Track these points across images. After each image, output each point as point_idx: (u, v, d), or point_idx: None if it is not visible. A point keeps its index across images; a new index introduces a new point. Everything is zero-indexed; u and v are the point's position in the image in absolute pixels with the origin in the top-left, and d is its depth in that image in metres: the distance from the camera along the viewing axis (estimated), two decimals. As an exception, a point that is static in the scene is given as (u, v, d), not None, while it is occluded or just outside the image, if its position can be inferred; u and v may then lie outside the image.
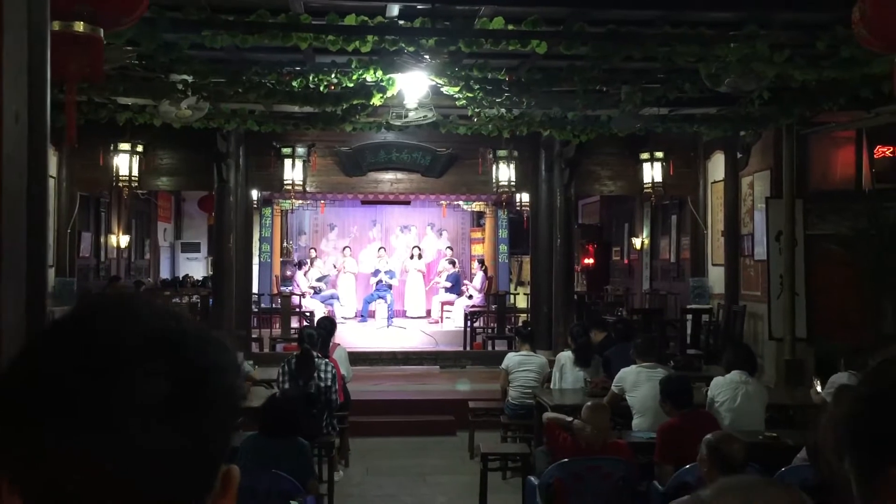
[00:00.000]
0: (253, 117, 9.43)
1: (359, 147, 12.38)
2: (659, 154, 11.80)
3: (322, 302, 15.23)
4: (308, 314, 13.73)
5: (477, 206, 16.98)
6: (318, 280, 15.95)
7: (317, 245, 17.50)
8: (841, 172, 11.09)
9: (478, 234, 17.77)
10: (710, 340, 11.65)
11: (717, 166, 12.42)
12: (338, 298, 15.84)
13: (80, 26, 3.01)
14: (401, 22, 6.28)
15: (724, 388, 6.23)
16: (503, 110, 8.64)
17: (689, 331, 11.99)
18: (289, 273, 16.55)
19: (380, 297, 15.60)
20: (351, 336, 13.34)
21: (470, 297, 15.49)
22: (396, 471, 8.31)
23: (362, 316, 15.74)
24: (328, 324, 8.71)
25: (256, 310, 13.37)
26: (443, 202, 16.47)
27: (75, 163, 11.65)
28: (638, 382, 6.63)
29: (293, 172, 11.70)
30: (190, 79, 7.53)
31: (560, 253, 12.34)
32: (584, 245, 17.57)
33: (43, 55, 1.67)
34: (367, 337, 14.20)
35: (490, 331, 13.90)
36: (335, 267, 16.71)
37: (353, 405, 8.56)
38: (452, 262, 16.40)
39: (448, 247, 17.05)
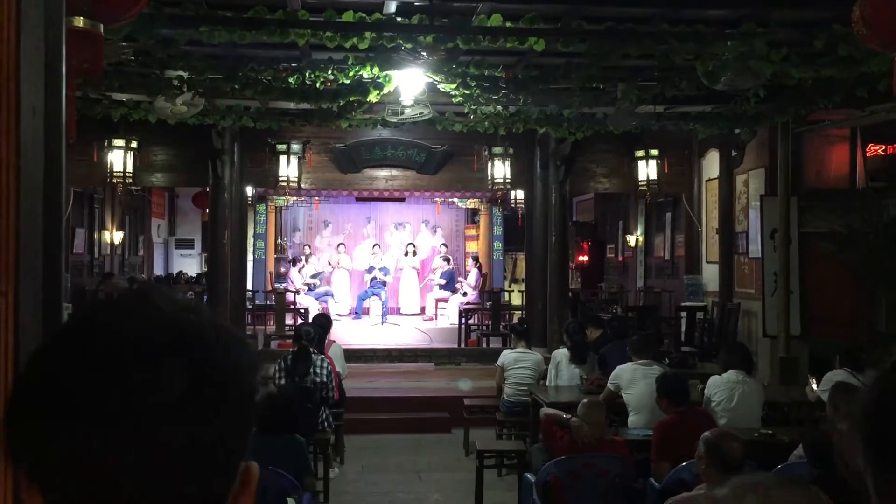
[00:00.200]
0: (248, 114, 9.42)
1: (354, 144, 12.36)
2: (654, 152, 11.82)
3: (316, 299, 15.21)
4: (302, 311, 13.70)
5: (471, 204, 16.98)
6: (313, 277, 15.92)
7: (311, 242, 17.48)
8: (835, 170, 11.12)
9: (472, 232, 17.77)
10: (704, 338, 11.68)
11: (711, 164, 12.44)
12: (332, 295, 15.82)
13: (80, 21, 3.00)
14: (398, 19, 6.27)
15: (720, 387, 6.24)
16: (499, 107, 8.64)
17: (683, 328, 12.02)
18: (283, 270, 16.52)
19: (374, 294, 15.58)
20: (345, 333, 13.32)
21: (464, 294, 15.49)
22: (392, 468, 8.31)
23: (356, 313, 15.72)
24: (324, 321, 8.71)
25: (251, 306, 13.34)
26: (437, 199, 16.46)
27: (69, 158, 11.55)
28: (634, 380, 6.64)
29: (288, 169, 11.68)
30: (186, 75, 7.51)
31: (555, 250, 12.34)
32: (579, 242, 17.58)
33: (58, 50, 1.66)
34: (362, 334, 14.19)
35: (485, 328, 13.90)
36: (330, 264, 16.68)
37: (348, 402, 8.55)
38: (447, 259, 16.39)
39: (442, 244, 17.04)
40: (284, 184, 11.78)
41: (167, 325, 0.81)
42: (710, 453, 3.99)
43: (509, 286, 16.45)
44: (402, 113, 8.66)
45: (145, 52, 6.70)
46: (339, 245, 16.85)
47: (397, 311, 16.12)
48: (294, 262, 16.08)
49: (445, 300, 15.67)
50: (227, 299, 11.83)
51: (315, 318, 9.49)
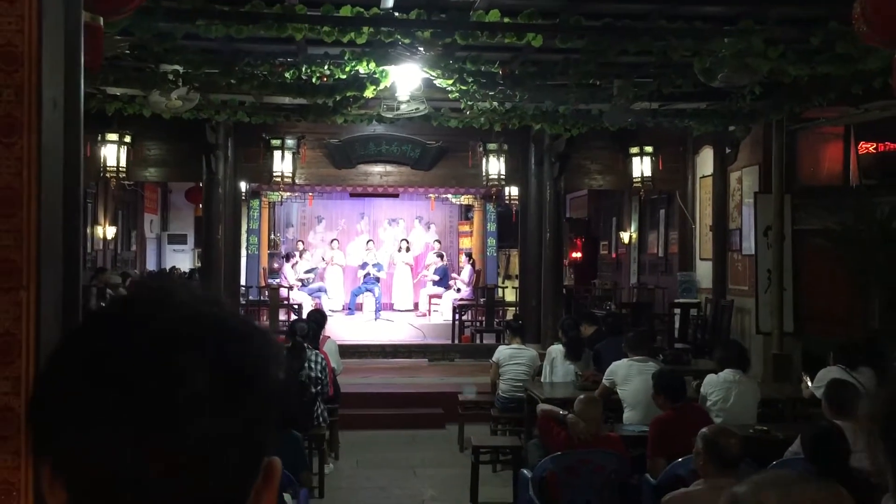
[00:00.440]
0: (243, 109, 9.39)
1: (348, 139, 12.34)
2: (648, 148, 11.83)
3: (310, 295, 15.19)
4: (296, 307, 13.69)
5: (465, 200, 16.97)
6: (306, 273, 15.90)
7: (304, 237, 17.45)
8: (829, 168, 11.16)
9: (466, 228, 17.77)
10: (697, 335, 11.72)
11: (705, 161, 12.46)
12: (325, 291, 15.80)
13: (80, 14, 2.97)
14: (396, 14, 6.25)
15: (717, 387, 6.25)
16: (495, 103, 8.63)
17: (676, 325, 12.05)
18: (276, 265, 16.50)
19: (367, 290, 15.57)
20: (339, 329, 13.31)
21: (458, 290, 15.49)
22: (386, 463, 8.31)
23: (350, 309, 15.71)
24: (319, 316, 8.70)
25: (244, 302, 13.32)
26: (431, 195, 16.45)
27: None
28: (629, 376, 6.65)
29: (282, 164, 11.65)
30: (181, 69, 7.48)
31: (549, 247, 12.35)
32: (572, 239, 17.61)
33: (77, 44, 1.66)
34: (355, 330, 14.19)
35: (478, 324, 13.91)
36: (323, 259, 16.66)
37: (342, 398, 8.55)
38: (440, 256, 16.39)
39: (436, 240, 17.04)
40: (278, 179, 11.75)
41: (191, 318, 0.81)
42: (708, 449, 4.00)
43: (503, 282, 16.48)
44: (398, 108, 8.64)
45: (141, 46, 6.67)
46: (332, 241, 16.83)
47: (390, 307, 16.11)
48: (287, 257, 16.05)
49: (439, 296, 15.67)
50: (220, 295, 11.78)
51: (310, 313, 9.48)
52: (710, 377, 6.43)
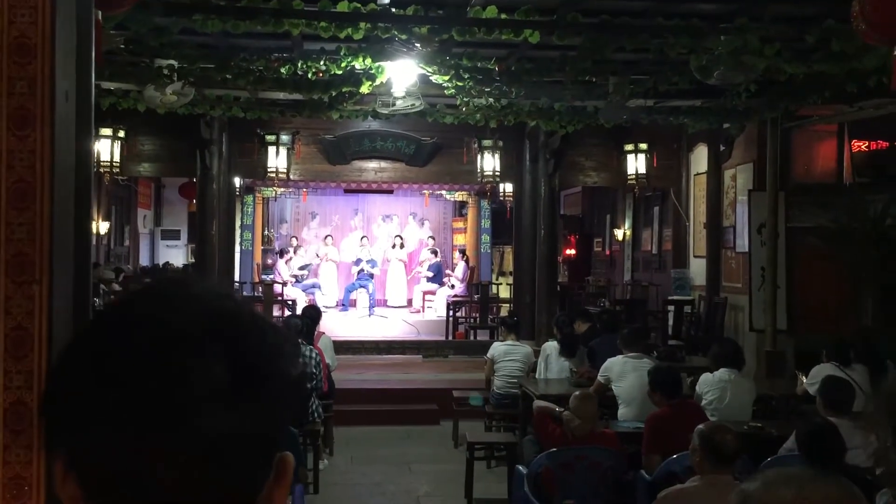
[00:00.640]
0: (238, 104, 9.36)
1: (343, 135, 12.33)
2: (643, 146, 11.84)
3: (303, 291, 15.18)
4: (290, 303, 13.68)
5: (459, 196, 16.97)
6: (301, 269, 15.88)
7: (298, 233, 17.43)
8: (822, 166, 11.20)
9: (460, 224, 17.77)
10: (691, 332, 11.75)
11: (699, 159, 12.48)
12: (319, 287, 15.78)
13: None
14: (393, 9, 6.24)
15: (712, 386, 6.26)
16: (491, 100, 8.63)
17: (670, 322, 12.07)
18: (270, 261, 16.47)
19: (361, 287, 15.56)
20: (332, 325, 13.29)
21: (452, 286, 15.50)
22: (381, 459, 8.31)
23: (343, 305, 15.70)
24: (313, 312, 8.69)
25: (238, 298, 13.27)
26: (425, 192, 16.45)
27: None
28: (624, 372, 6.67)
29: (277, 160, 11.63)
30: (176, 64, 7.46)
31: (543, 243, 12.36)
32: (566, 236, 17.61)
33: (88, 37, 1.65)
34: (349, 326, 14.18)
35: (472, 320, 13.91)
36: (317, 256, 16.64)
37: (337, 394, 8.55)
38: (434, 252, 16.39)
39: (430, 236, 17.03)
40: (273, 175, 11.74)
41: (206, 312, 0.80)
42: (705, 446, 4.00)
43: (497, 279, 16.49)
44: (394, 104, 8.62)
45: (136, 41, 6.64)
46: (326, 237, 16.81)
47: (384, 304, 16.10)
48: (281, 253, 16.03)
49: (433, 293, 15.67)
50: (214, 290, 11.76)
51: (304, 309, 9.48)
52: (705, 376, 6.44)
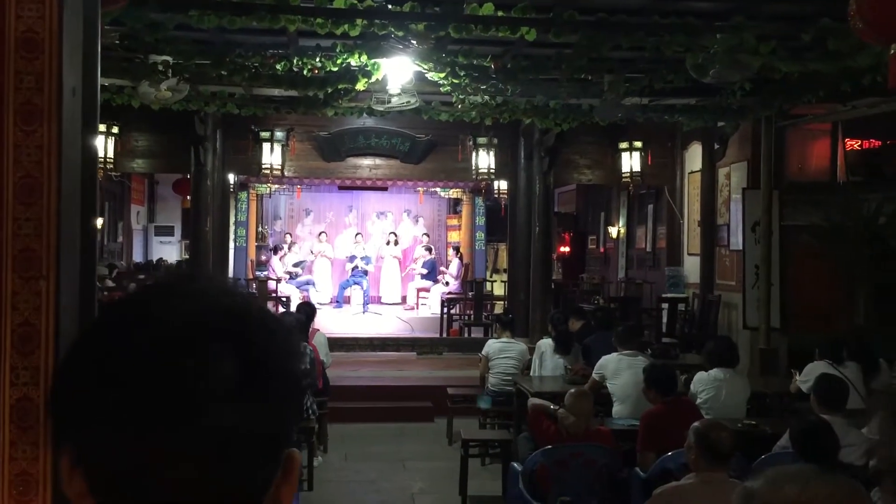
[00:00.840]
0: (233, 100, 9.33)
1: (338, 132, 12.31)
2: (637, 144, 11.85)
3: (297, 287, 15.17)
4: (284, 299, 13.66)
5: (454, 193, 16.96)
6: (295, 265, 15.87)
7: (292, 230, 17.41)
8: (816, 164, 11.23)
9: (454, 222, 17.76)
10: (685, 329, 11.77)
11: (694, 157, 12.50)
12: (313, 284, 15.77)
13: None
14: (389, 6, 6.23)
15: (707, 384, 6.28)
16: (487, 97, 8.63)
17: (664, 319, 12.10)
18: (264, 258, 16.45)
19: (355, 283, 15.56)
20: (326, 322, 13.28)
21: (446, 283, 15.50)
22: (375, 456, 8.31)
23: (338, 302, 15.69)
24: (308, 309, 8.68)
25: (232, 294, 13.25)
26: (420, 189, 16.44)
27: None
28: (619, 370, 6.67)
29: (271, 157, 11.60)
30: (171, 60, 7.44)
31: (538, 241, 12.37)
32: (560, 233, 17.63)
33: (94, 32, 1.64)
34: (343, 323, 14.16)
35: (467, 318, 13.92)
36: (311, 252, 16.63)
37: (331, 391, 8.54)
38: (429, 249, 16.38)
39: (424, 233, 17.03)
40: (267, 171, 11.70)
41: (214, 309, 0.80)
42: (700, 443, 4.01)
43: (491, 276, 16.50)
44: (389, 102, 8.62)
45: (131, 37, 6.62)
46: (320, 234, 16.80)
47: (378, 301, 16.10)
48: (276, 250, 16.02)
49: (427, 290, 15.67)
50: (208, 287, 11.73)
51: (299, 306, 9.47)
52: (699, 375, 6.45)
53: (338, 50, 7.15)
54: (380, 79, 7.95)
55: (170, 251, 18.97)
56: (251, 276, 14.84)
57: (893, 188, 9.95)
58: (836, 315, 9.83)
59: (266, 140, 11.57)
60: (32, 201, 1.56)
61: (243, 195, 15.59)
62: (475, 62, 7.33)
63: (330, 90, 8.17)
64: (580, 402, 5.53)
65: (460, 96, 8.56)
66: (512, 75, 7.54)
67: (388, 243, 16.58)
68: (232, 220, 14.48)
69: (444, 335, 13.39)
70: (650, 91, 8.49)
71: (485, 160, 11.77)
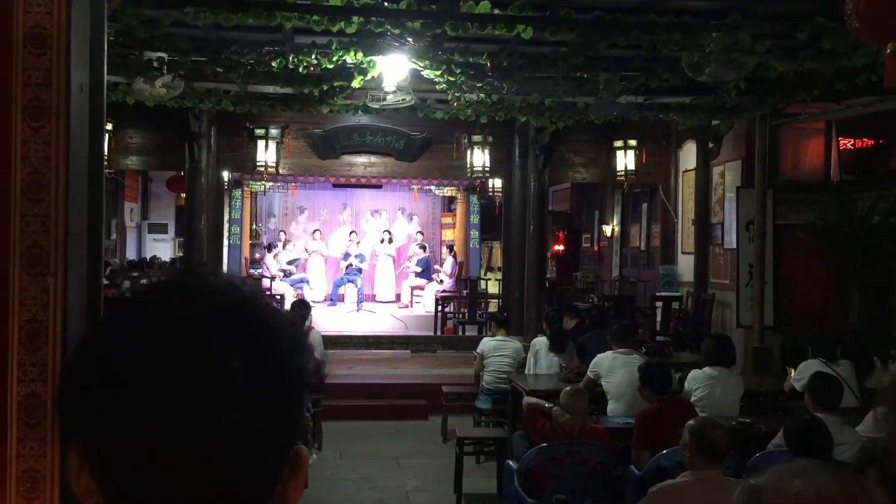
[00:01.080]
0: (228, 97, 9.32)
1: (333, 130, 12.30)
2: (632, 142, 11.84)
3: (292, 285, 15.15)
4: (278, 297, 13.64)
5: (448, 192, 16.95)
6: (289, 263, 15.85)
7: (287, 228, 17.39)
8: (810, 163, 11.27)
9: (448, 220, 17.75)
10: (679, 328, 11.80)
11: (688, 155, 12.53)
12: (307, 282, 15.76)
13: None
14: (386, 4, 6.23)
15: (701, 382, 6.28)
16: (482, 95, 8.63)
17: (658, 318, 12.12)
18: (258, 256, 16.43)
19: (350, 281, 15.55)
20: (321, 319, 13.27)
21: (440, 282, 15.50)
22: (370, 454, 8.31)
23: (332, 300, 15.68)
24: (303, 307, 8.68)
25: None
26: (414, 187, 16.43)
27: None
28: (614, 368, 6.68)
29: (266, 154, 11.58)
30: (166, 56, 7.42)
31: (533, 239, 12.38)
32: (555, 232, 17.63)
33: (101, 28, 1.64)
34: (337, 321, 14.16)
35: (461, 316, 13.92)
36: (306, 250, 16.61)
37: (326, 389, 8.53)
38: (423, 247, 16.38)
39: (419, 231, 17.03)
40: (262, 169, 11.68)
41: (221, 305, 0.79)
42: (695, 441, 4.02)
43: (485, 275, 16.50)
44: (385, 99, 8.61)
45: (126, 33, 6.60)
46: (314, 231, 16.79)
47: (372, 299, 16.09)
48: (269, 248, 15.99)
49: (421, 288, 15.67)
50: (202, 284, 11.72)
51: (294, 304, 9.47)
52: (694, 372, 6.46)
53: (334, 47, 7.14)
54: (375, 76, 7.94)
55: (163, 248, 18.92)
56: (245, 274, 14.80)
57: (887, 187, 9.98)
58: (830, 313, 9.87)
59: (261, 137, 11.55)
60: (40, 197, 1.55)
61: (237, 192, 15.54)
62: (471, 60, 7.33)
63: (325, 87, 8.16)
64: (575, 400, 5.54)
65: (456, 94, 8.56)
66: (508, 73, 7.54)
67: (382, 241, 16.58)
68: (226, 217, 14.45)
69: (439, 333, 13.39)
70: (645, 90, 8.50)
71: (479, 158, 11.77)
